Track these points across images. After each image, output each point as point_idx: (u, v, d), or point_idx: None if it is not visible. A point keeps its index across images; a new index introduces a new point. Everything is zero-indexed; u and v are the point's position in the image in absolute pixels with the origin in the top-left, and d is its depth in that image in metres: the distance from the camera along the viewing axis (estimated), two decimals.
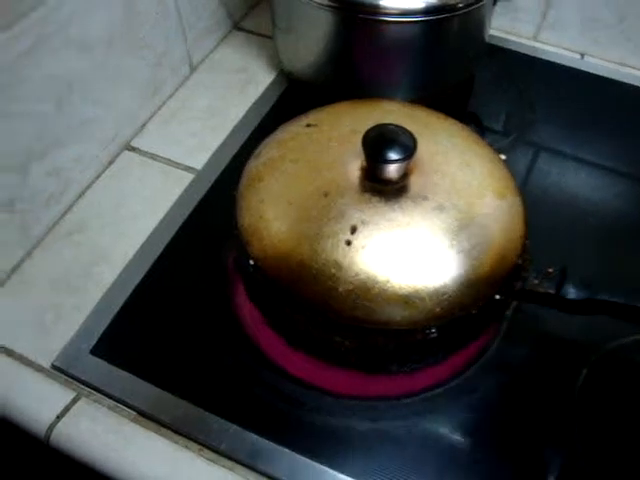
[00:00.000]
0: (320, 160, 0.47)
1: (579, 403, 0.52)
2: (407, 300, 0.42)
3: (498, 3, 0.71)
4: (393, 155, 0.43)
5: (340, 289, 0.42)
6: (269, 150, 0.50)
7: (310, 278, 0.42)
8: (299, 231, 0.44)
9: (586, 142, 0.73)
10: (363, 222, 0.43)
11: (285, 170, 0.48)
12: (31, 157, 0.57)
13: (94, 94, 0.62)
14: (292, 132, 0.51)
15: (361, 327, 0.43)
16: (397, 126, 0.45)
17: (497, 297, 0.46)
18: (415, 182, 0.46)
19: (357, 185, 0.45)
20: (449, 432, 0.51)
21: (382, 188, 0.45)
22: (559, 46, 0.83)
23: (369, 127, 0.45)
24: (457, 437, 0.50)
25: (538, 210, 0.63)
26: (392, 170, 0.44)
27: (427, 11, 0.63)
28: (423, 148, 0.45)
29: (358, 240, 0.43)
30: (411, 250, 0.43)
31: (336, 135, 0.49)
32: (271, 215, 0.46)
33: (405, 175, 0.46)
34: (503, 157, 0.52)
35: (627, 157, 0.71)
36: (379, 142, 0.44)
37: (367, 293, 0.42)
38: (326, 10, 0.64)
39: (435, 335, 0.44)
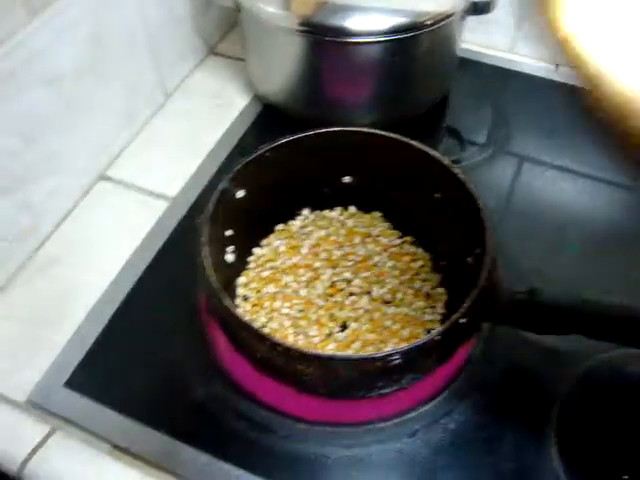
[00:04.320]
0: None
1: (558, 424, 0.51)
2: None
3: (472, 17, 0.70)
4: None
5: None
6: None
7: None
8: None
9: (565, 151, 0.73)
10: None
11: None
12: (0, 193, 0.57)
13: (64, 127, 0.62)
14: None
15: (321, 356, 0.43)
16: None
17: (461, 321, 0.46)
18: None
19: None
20: (425, 455, 0.50)
21: None
22: (534, 57, 0.83)
23: None
24: (434, 460, 0.50)
25: (516, 224, 0.64)
26: None
27: (394, 30, 0.63)
28: None
29: None
30: None
31: None
32: None
33: None
34: None
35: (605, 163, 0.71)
36: None
37: None
38: (294, 34, 0.65)
39: (398, 362, 0.44)
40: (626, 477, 0.48)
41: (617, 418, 0.52)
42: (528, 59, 0.83)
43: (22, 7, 0.53)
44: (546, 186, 0.70)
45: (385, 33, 0.63)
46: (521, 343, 0.55)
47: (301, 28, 0.64)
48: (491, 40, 0.84)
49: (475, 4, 0.69)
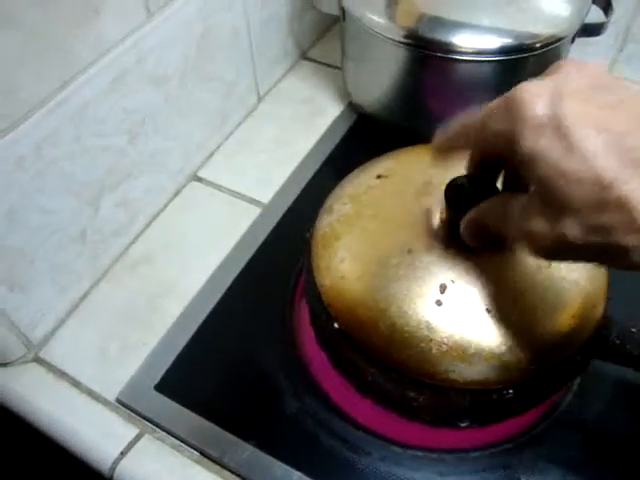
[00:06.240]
0: (398, 215, 0.45)
1: None
2: (503, 359, 0.40)
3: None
4: None
5: (434, 351, 0.40)
6: (342, 205, 0.48)
7: (402, 341, 0.41)
8: (387, 292, 0.42)
9: None
10: (452, 280, 0.41)
11: (363, 227, 0.45)
12: (104, 189, 0.58)
13: (165, 126, 0.62)
14: (363, 185, 0.49)
15: (437, 385, 0.42)
16: (480, 177, 0.41)
17: (578, 357, 0.44)
18: None
19: (441, 240, 0.42)
20: None
21: None
22: (635, 81, 0.81)
23: (443, 177, 0.42)
24: None
25: None
26: None
27: (502, 51, 0.61)
28: None
29: (449, 299, 0.41)
30: (503, 308, 0.41)
31: (410, 187, 0.46)
32: (354, 275, 0.43)
33: None
34: None
35: None
36: (462, 194, 0.40)
37: (462, 354, 0.40)
38: (400, 46, 0.63)
39: (511, 395, 0.43)
40: None
41: None
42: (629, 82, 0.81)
43: (143, 7, 0.53)
44: None
45: (494, 53, 0.62)
46: (620, 380, 0.54)
47: (406, 41, 0.63)
48: (589, 61, 0.82)
49: (586, 26, 0.67)
